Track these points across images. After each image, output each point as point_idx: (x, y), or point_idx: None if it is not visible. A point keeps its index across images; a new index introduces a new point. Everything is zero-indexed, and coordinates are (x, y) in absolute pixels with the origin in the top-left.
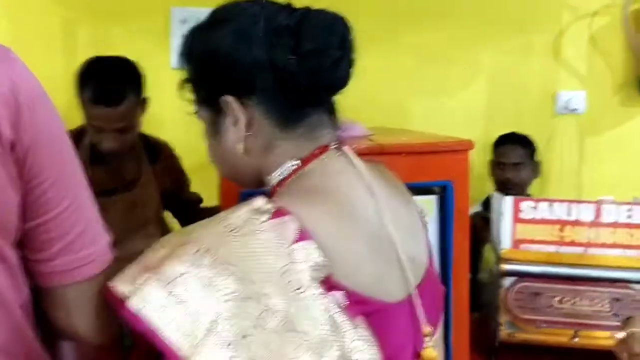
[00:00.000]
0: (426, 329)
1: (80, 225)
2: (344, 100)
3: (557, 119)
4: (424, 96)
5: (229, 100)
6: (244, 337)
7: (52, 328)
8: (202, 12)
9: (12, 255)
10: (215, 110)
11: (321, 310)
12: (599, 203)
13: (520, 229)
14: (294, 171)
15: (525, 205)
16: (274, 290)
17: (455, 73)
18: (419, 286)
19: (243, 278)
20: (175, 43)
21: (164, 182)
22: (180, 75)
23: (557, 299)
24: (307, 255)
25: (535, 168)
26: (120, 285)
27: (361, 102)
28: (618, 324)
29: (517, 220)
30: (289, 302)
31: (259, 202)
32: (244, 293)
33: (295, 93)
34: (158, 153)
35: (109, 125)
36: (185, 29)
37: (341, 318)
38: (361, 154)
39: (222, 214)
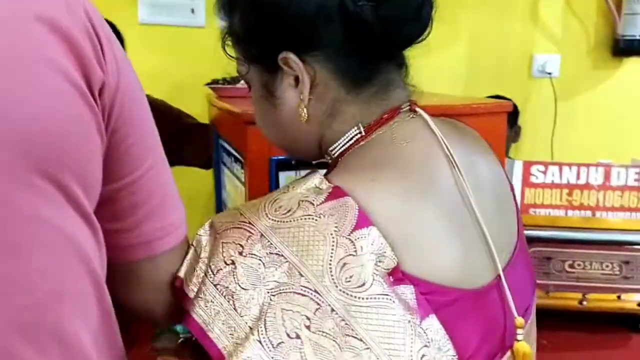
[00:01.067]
0: (518, 319)
1: (164, 188)
2: None
3: (533, 82)
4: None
5: (290, 57)
6: (292, 338)
7: (125, 311)
8: None
9: (97, 223)
10: (270, 70)
11: (385, 312)
12: (608, 166)
13: (528, 194)
14: (358, 140)
15: (535, 169)
16: (332, 286)
17: (435, 34)
18: (507, 268)
19: (296, 271)
20: None
21: None
22: (148, 31)
23: (568, 263)
24: (369, 245)
25: (516, 132)
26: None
27: None
28: (627, 286)
29: (526, 184)
30: (349, 301)
31: (316, 179)
32: (296, 287)
33: (368, 47)
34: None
35: None
36: None
37: (408, 321)
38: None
39: (275, 193)
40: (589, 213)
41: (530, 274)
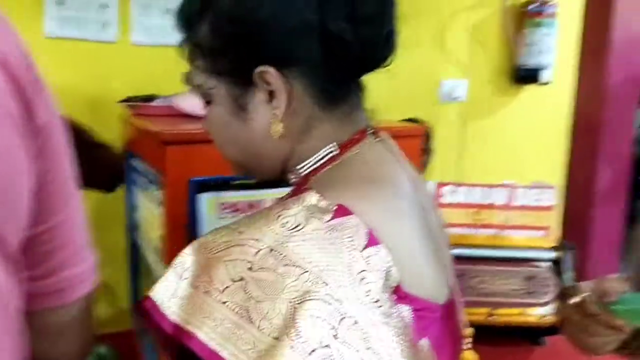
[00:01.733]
0: (468, 329)
1: (80, 235)
2: None
3: (441, 106)
4: None
5: (270, 71)
6: (323, 347)
7: None
8: None
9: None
10: (242, 84)
11: (392, 332)
12: (512, 187)
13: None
14: (332, 158)
15: (446, 189)
16: (351, 298)
17: None
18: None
19: (319, 280)
20: (49, 9)
21: None
22: (56, 45)
23: (477, 279)
24: (380, 262)
25: (428, 154)
26: (172, 307)
27: None
28: (530, 301)
29: (437, 204)
30: (368, 315)
31: (312, 197)
32: (321, 295)
33: (345, 66)
34: None
35: None
36: None
37: (407, 342)
38: None
39: (271, 212)
40: (495, 231)
41: (459, 288)
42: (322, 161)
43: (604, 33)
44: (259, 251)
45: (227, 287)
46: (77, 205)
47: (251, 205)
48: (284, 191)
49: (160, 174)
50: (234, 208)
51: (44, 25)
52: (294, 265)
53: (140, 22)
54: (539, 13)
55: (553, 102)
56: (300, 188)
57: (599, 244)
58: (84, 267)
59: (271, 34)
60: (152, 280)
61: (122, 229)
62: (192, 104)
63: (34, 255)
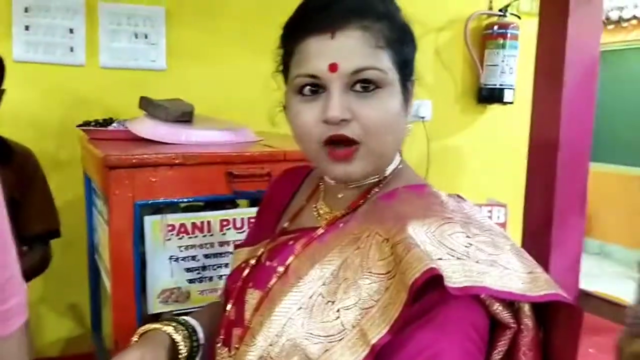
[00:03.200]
0: None
1: (9, 270)
2: (215, 102)
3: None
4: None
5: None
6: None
7: None
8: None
9: None
10: (407, 82)
11: None
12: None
13: None
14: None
15: None
16: None
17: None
18: None
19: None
20: (17, 32)
21: (13, 187)
22: (24, 68)
23: None
24: None
25: None
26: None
27: (231, 104)
28: None
29: None
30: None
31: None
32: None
33: None
34: (10, 154)
35: None
36: (27, 17)
37: None
38: (265, 160)
39: (445, 207)
40: None
41: None
42: (397, 164)
43: (557, 55)
44: (464, 225)
45: (464, 250)
46: (4, 247)
47: (196, 227)
48: (227, 213)
49: (106, 196)
50: (180, 229)
51: (12, 49)
52: (489, 230)
53: (107, 46)
54: (501, 35)
55: (516, 121)
56: (379, 185)
57: (557, 260)
58: (10, 304)
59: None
60: (109, 301)
61: (84, 250)
62: (146, 128)
63: None
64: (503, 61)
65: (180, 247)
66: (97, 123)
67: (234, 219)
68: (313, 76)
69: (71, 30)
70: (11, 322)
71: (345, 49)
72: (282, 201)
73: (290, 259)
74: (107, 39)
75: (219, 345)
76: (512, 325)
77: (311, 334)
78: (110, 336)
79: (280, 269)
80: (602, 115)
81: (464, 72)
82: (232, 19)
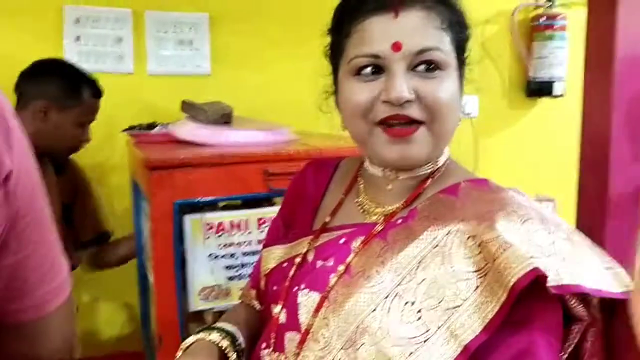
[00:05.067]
0: None
1: (52, 255)
2: (257, 104)
3: None
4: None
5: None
6: None
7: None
8: (96, 11)
9: None
10: (461, 66)
11: None
12: None
13: None
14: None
15: None
16: None
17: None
18: None
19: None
20: (68, 43)
21: (68, 195)
22: None
23: None
24: None
25: None
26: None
27: (273, 106)
28: None
29: None
30: None
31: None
32: None
33: None
34: (64, 164)
35: (96, 116)
36: (78, 28)
37: None
38: (301, 158)
39: (519, 203)
40: None
41: None
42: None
43: (607, 47)
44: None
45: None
46: (46, 234)
47: (234, 225)
48: (264, 211)
49: (148, 197)
50: (219, 228)
51: (64, 57)
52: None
53: (154, 53)
54: (549, 26)
55: (567, 114)
56: (432, 177)
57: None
58: (56, 283)
59: None
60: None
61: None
62: (186, 130)
63: (7, 281)
64: (552, 53)
65: (219, 245)
66: (141, 127)
67: (271, 217)
68: (375, 56)
69: (120, 40)
70: (59, 297)
71: (409, 29)
72: (314, 196)
73: (350, 257)
74: (154, 46)
75: (267, 351)
76: (586, 319)
77: (391, 335)
78: (155, 333)
79: (341, 267)
80: None
81: (511, 66)
82: (274, 22)
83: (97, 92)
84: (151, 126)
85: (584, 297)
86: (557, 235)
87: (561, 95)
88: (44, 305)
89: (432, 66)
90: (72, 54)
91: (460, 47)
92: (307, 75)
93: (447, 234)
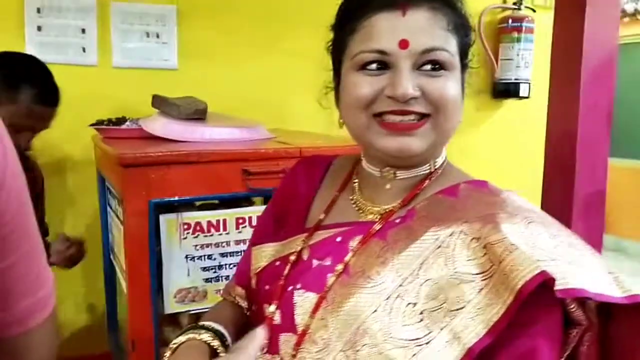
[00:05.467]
0: None
1: (37, 266)
2: (226, 101)
3: None
4: (300, 97)
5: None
6: None
7: None
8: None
9: None
10: (464, 69)
11: None
12: None
13: None
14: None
15: None
16: None
17: (329, 77)
18: None
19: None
20: (29, 33)
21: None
22: None
23: None
24: None
25: None
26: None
27: (243, 102)
28: None
29: None
30: None
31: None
32: None
33: None
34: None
35: (44, 125)
36: (40, 18)
37: None
38: (280, 157)
39: (520, 205)
40: None
41: None
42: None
43: (574, 50)
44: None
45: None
46: (33, 242)
47: (212, 225)
48: (243, 211)
49: (121, 195)
50: (196, 228)
51: (25, 50)
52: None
53: (119, 46)
54: (516, 29)
55: (533, 116)
56: (430, 177)
57: None
58: (40, 295)
59: None
60: (125, 301)
61: (100, 250)
62: (159, 126)
63: None
64: (518, 55)
65: (196, 245)
66: (110, 122)
67: (250, 217)
68: (381, 52)
69: (83, 31)
70: (45, 310)
71: (416, 28)
72: (307, 193)
73: (349, 256)
74: (119, 38)
75: (260, 352)
76: (584, 323)
77: (393, 337)
78: (127, 336)
79: (339, 267)
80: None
81: (478, 68)
82: (244, 17)
83: (44, 99)
84: (120, 121)
85: (582, 301)
86: (560, 239)
87: (527, 97)
88: (28, 318)
89: (438, 66)
90: (33, 45)
91: (464, 50)
92: (278, 72)
93: (450, 235)
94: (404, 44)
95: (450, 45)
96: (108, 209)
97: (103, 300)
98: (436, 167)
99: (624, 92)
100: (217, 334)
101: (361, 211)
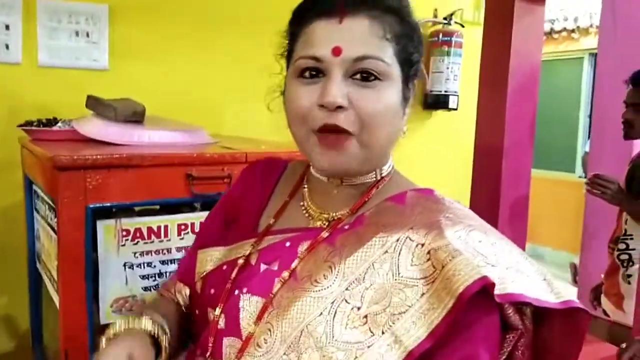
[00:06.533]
0: None
1: None
2: (161, 104)
3: None
4: (235, 100)
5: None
6: None
7: None
8: None
9: None
10: (409, 80)
11: None
12: None
13: None
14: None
15: None
16: None
17: (265, 80)
18: None
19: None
20: None
21: None
22: None
23: None
24: None
25: None
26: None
27: (178, 105)
28: None
29: None
30: None
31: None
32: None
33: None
34: None
35: None
36: None
37: None
38: (226, 162)
39: (464, 213)
40: None
41: None
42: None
43: (501, 65)
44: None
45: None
46: None
47: (152, 231)
48: (185, 217)
49: (55, 200)
50: (135, 234)
51: None
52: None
53: (46, 44)
54: (446, 43)
55: (461, 127)
56: (377, 185)
57: None
58: None
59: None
60: (54, 311)
61: (24, 258)
62: (94, 128)
63: None
64: (448, 68)
65: (135, 253)
66: (40, 123)
67: (192, 223)
68: (316, 59)
69: (7, 27)
70: None
71: (351, 36)
72: (261, 196)
73: (295, 262)
74: (45, 36)
75: (204, 356)
76: (520, 328)
77: (337, 340)
78: (58, 349)
79: (285, 274)
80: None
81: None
82: (179, 17)
83: None
84: (51, 122)
85: (519, 306)
86: (499, 246)
87: (455, 109)
88: None
89: (371, 76)
90: None
91: (406, 60)
92: (215, 75)
93: (396, 241)
94: (336, 51)
95: (386, 55)
96: (35, 214)
97: (26, 311)
98: (382, 175)
99: (539, 106)
100: (158, 325)
101: (310, 217)
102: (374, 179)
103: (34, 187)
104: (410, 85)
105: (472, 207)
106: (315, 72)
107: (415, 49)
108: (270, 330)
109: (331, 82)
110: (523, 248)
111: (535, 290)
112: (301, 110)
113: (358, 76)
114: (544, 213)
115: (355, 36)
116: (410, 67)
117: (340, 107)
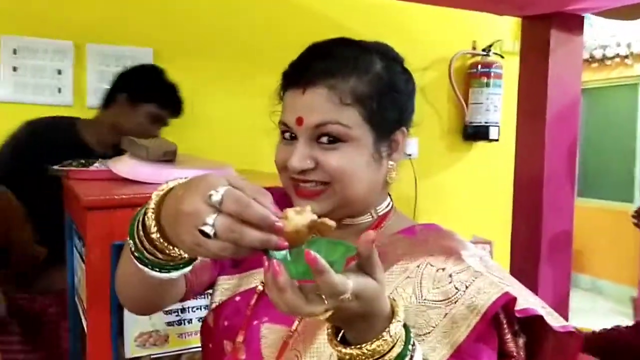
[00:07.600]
0: None
1: None
2: (197, 141)
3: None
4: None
5: (404, 131)
6: None
7: None
8: (35, 42)
9: None
10: (385, 137)
11: None
12: None
13: None
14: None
15: None
16: None
17: None
18: None
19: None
20: (4, 73)
21: None
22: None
23: None
24: None
25: None
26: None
27: (210, 145)
28: None
29: None
30: None
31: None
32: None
33: None
34: None
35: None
36: (18, 59)
37: None
38: None
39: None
40: None
41: None
42: (389, 208)
43: (539, 95)
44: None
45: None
46: None
47: None
48: None
49: (83, 237)
50: None
51: None
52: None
53: (94, 87)
54: (485, 74)
55: (501, 158)
56: (379, 224)
57: (545, 297)
58: None
59: (411, 101)
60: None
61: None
62: (127, 167)
63: None
64: (487, 99)
65: None
66: (79, 163)
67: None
68: (286, 125)
69: (59, 72)
70: None
71: (311, 105)
72: None
73: None
74: (94, 79)
75: None
76: (514, 355)
77: None
78: None
79: None
80: (589, 152)
81: (449, 110)
82: (213, 58)
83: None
84: (89, 162)
85: (515, 335)
86: (500, 274)
87: (496, 140)
88: None
89: (334, 139)
90: (7, 85)
91: (375, 117)
92: (247, 113)
93: (417, 267)
94: (299, 121)
95: (345, 118)
96: (74, 250)
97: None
98: (379, 213)
99: (592, 134)
100: None
101: None
102: (370, 218)
103: (73, 224)
104: (387, 140)
105: (514, 239)
106: (293, 135)
107: (391, 103)
108: (297, 356)
109: (296, 149)
110: (567, 281)
111: (541, 311)
112: (281, 163)
113: (324, 139)
114: (601, 245)
115: (314, 105)
116: (382, 122)
117: (305, 170)
